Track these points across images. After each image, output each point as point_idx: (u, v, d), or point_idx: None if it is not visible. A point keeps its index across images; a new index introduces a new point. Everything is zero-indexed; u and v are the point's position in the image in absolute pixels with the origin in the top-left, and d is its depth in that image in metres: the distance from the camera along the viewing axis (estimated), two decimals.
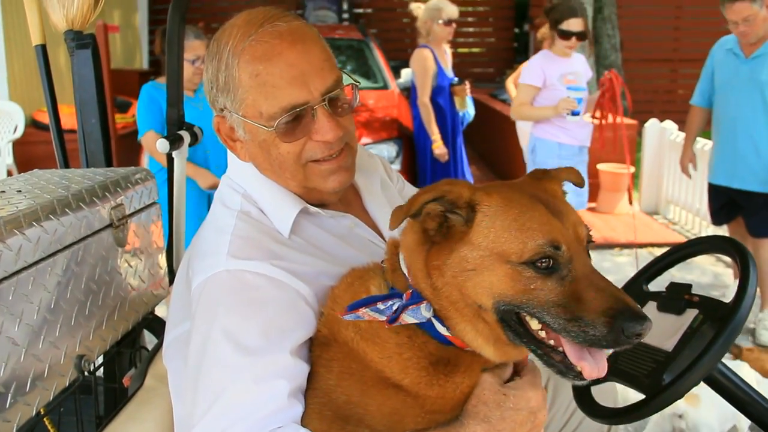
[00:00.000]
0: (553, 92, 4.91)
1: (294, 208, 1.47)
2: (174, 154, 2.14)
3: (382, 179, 1.76)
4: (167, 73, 2.15)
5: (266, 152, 1.46)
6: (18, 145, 7.44)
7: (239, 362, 1.26)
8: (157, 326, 2.08)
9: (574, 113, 4.88)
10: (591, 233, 1.24)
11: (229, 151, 1.57)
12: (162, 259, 2.10)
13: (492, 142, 9.11)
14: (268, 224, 1.46)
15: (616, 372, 1.65)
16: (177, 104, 2.15)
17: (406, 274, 1.29)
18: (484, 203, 1.21)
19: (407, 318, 1.24)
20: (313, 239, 1.49)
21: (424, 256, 1.24)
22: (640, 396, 1.54)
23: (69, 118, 2.15)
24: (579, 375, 1.18)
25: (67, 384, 1.61)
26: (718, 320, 1.53)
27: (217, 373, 1.27)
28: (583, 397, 1.68)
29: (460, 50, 6.15)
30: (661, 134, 7.74)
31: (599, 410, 1.63)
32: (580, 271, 1.16)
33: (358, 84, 1.53)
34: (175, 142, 2.09)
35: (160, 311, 2.18)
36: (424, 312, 1.23)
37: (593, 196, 7.68)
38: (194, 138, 2.17)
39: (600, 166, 7.59)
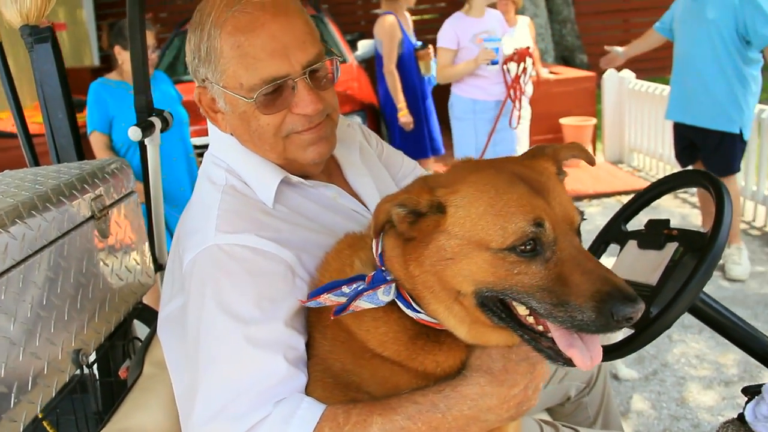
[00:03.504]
0: (469, 53, 5.07)
1: (275, 177, 1.48)
2: (146, 141, 2.12)
3: (361, 145, 1.76)
4: (132, 60, 2.12)
5: (246, 124, 1.46)
6: None
7: (236, 332, 1.27)
8: (147, 315, 2.07)
9: (494, 62, 5.06)
10: (584, 215, 1.18)
11: (209, 127, 1.56)
12: (146, 248, 2.09)
13: None
14: (252, 196, 1.47)
15: None
16: (145, 91, 2.12)
17: (375, 256, 1.28)
18: (451, 199, 1.16)
19: (363, 304, 1.22)
20: (297, 208, 1.50)
21: (401, 250, 1.22)
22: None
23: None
24: (569, 362, 1.12)
25: (67, 380, 1.61)
26: (698, 250, 1.58)
27: (215, 345, 1.28)
28: None
29: (413, 17, 6.13)
30: (619, 84, 7.83)
31: None
32: (566, 253, 1.10)
33: (340, 58, 1.53)
34: (146, 128, 2.07)
35: (147, 300, 2.17)
36: (381, 296, 1.21)
37: None
38: (165, 123, 2.15)
39: (562, 120, 7.68)
